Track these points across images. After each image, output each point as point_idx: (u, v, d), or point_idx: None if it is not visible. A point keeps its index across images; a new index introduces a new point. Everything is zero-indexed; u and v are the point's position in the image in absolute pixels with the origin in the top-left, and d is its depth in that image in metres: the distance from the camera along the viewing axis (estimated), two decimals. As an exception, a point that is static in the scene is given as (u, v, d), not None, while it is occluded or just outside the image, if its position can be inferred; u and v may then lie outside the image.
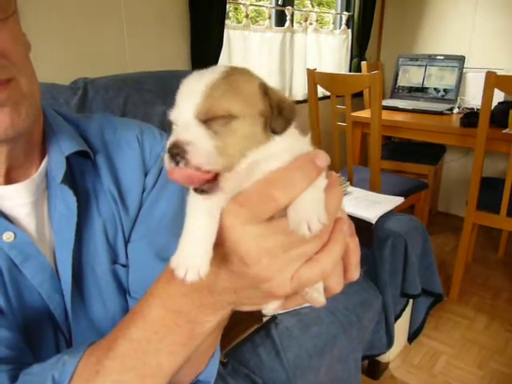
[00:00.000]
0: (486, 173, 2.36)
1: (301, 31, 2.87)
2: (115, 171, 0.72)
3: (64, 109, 1.27)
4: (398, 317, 1.69)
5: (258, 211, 0.37)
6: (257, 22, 2.79)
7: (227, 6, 2.20)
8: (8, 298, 0.60)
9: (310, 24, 2.95)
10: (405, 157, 2.99)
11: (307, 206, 0.37)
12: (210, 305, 0.44)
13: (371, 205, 1.76)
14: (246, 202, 0.38)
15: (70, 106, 1.33)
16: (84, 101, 1.37)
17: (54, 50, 1.60)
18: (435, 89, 3.06)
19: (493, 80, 2.00)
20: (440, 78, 3.04)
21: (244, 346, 1.20)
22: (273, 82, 2.75)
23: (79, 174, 0.69)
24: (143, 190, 0.74)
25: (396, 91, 3.21)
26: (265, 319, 1.28)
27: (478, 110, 2.30)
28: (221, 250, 0.39)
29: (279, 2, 2.71)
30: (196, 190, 0.38)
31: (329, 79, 2.34)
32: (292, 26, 2.77)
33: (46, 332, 0.64)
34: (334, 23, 3.29)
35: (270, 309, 0.47)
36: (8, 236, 0.59)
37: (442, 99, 3.00)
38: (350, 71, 3.38)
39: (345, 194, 1.85)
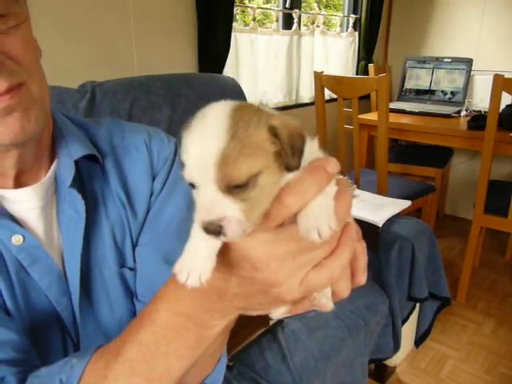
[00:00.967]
0: (494, 176, 2.34)
1: (308, 34, 2.87)
2: (123, 175, 0.73)
3: (72, 113, 1.28)
4: (404, 321, 1.68)
5: (269, 217, 0.37)
6: (264, 24, 2.80)
7: (234, 8, 2.20)
8: (16, 300, 0.61)
9: (317, 27, 2.95)
10: (412, 160, 2.97)
11: (317, 212, 0.37)
12: (219, 310, 0.44)
13: (378, 208, 1.75)
14: None
15: (77, 109, 1.34)
16: (92, 104, 1.38)
17: (62, 54, 1.61)
18: (442, 91, 3.04)
19: (500, 83, 1.99)
20: (447, 81, 3.03)
21: (250, 349, 1.20)
22: (280, 84, 2.75)
23: (88, 178, 0.70)
24: (151, 194, 0.74)
25: (403, 94, 3.19)
26: (271, 322, 1.28)
27: (485, 112, 2.30)
28: (232, 257, 0.39)
29: (286, 5, 2.72)
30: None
31: (336, 82, 2.34)
32: (299, 28, 2.77)
33: (53, 335, 0.65)
34: (341, 26, 3.28)
35: (277, 313, 0.47)
36: (17, 239, 0.60)
37: (450, 102, 2.99)
38: (356, 74, 3.37)
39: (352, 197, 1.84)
